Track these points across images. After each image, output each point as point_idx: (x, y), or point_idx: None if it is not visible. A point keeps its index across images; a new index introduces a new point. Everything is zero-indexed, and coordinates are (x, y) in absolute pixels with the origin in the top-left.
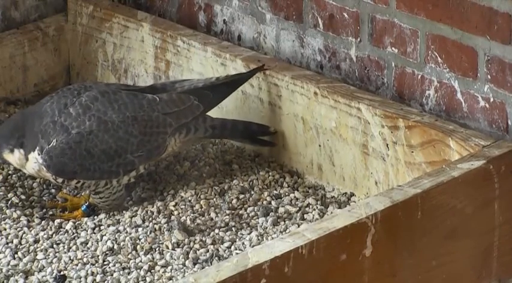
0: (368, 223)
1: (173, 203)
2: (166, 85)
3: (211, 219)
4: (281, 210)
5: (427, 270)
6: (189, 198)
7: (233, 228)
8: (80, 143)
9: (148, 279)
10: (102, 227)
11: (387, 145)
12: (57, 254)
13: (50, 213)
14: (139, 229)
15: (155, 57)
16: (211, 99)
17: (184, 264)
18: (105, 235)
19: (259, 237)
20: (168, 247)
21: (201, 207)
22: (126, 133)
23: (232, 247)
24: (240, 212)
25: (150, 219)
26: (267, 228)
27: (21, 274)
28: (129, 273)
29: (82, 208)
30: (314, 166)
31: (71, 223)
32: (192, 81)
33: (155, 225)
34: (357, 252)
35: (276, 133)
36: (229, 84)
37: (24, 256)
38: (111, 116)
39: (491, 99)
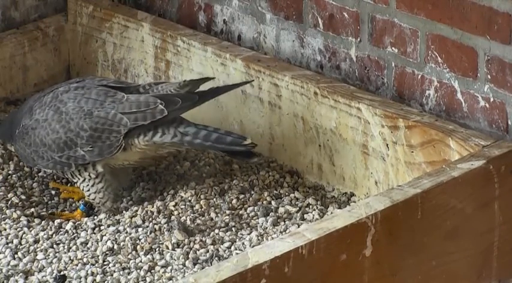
0: (368, 223)
1: (173, 203)
2: (151, 86)
3: (211, 219)
4: (281, 210)
5: (427, 270)
6: (189, 198)
7: (233, 228)
8: (35, 130)
9: (148, 279)
10: (102, 227)
11: (387, 145)
12: (57, 254)
13: (50, 212)
14: (140, 229)
15: (155, 57)
16: (180, 106)
17: (184, 264)
18: (105, 235)
19: (259, 237)
20: (168, 248)
21: (201, 207)
22: (77, 126)
23: (232, 247)
24: (240, 212)
25: (150, 219)
26: (267, 228)
27: (21, 274)
28: (129, 273)
29: (80, 208)
30: (314, 166)
31: (71, 223)
32: (172, 85)
33: (155, 225)
34: (357, 252)
35: (254, 146)
36: (203, 93)
37: (24, 256)
38: (68, 108)
39: (491, 99)
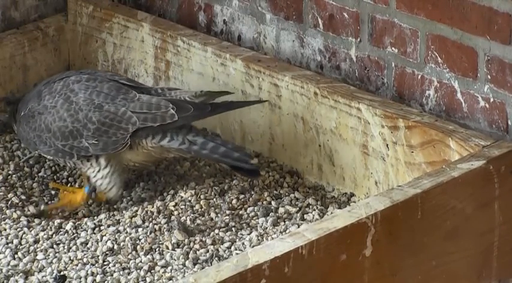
0: (368, 223)
1: (173, 203)
2: (164, 90)
3: (211, 219)
4: (281, 210)
5: (427, 270)
6: (189, 198)
7: (233, 228)
8: (41, 115)
9: (148, 279)
10: (102, 227)
11: (387, 145)
12: (57, 254)
13: (49, 205)
14: (139, 229)
15: (155, 57)
16: (191, 114)
17: (184, 264)
18: (105, 235)
19: (259, 237)
20: (168, 248)
21: (201, 207)
22: (85, 117)
23: (232, 247)
24: (240, 212)
25: (150, 219)
26: (267, 228)
27: (21, 274)
28: (129, 273)
29: (85, 190)
30: (314, 166)
31: (70, 223)
32: (187, 93)
33: (155, 225)
34: (357, 252)
35: (258, 167)
36: (217, 105)
37: (24, 257)
38: (78, 98)
39: (491, 99)
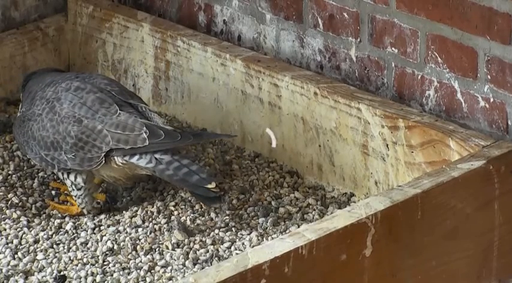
0: (368, 223)
1: (173, 203)
2: (146, 110)
3: (211, 219)
4: (281, 210)
5: (427, 270)
6: (189, 198)
7: (233, 229)
8: (29, 121)
9: (148, 279)
10: (102, 227)
11: (387, 145)
12: (57, 254)
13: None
14: (139, 229)
15: (155, 57)
16: (161, 141)
17: (184, 264)
18: (105, 235)
19: (259, 238)
20: (168, 248)
21: (201, 207)
22: (65, 130)
23: (232, 247)
24: (240, 212)
25: (150, 219)
26: (267, 228)
27: (21, 274)
28: (129, 273)
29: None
30: (314, 166)
31: (70, 223)
32: (160, 119)
33: (155, 225)
34: (357, 252)
35: (217, 192)
36: (186, 135)
37: (24, 257)
38: (62, 109)
39: (491, 99)
